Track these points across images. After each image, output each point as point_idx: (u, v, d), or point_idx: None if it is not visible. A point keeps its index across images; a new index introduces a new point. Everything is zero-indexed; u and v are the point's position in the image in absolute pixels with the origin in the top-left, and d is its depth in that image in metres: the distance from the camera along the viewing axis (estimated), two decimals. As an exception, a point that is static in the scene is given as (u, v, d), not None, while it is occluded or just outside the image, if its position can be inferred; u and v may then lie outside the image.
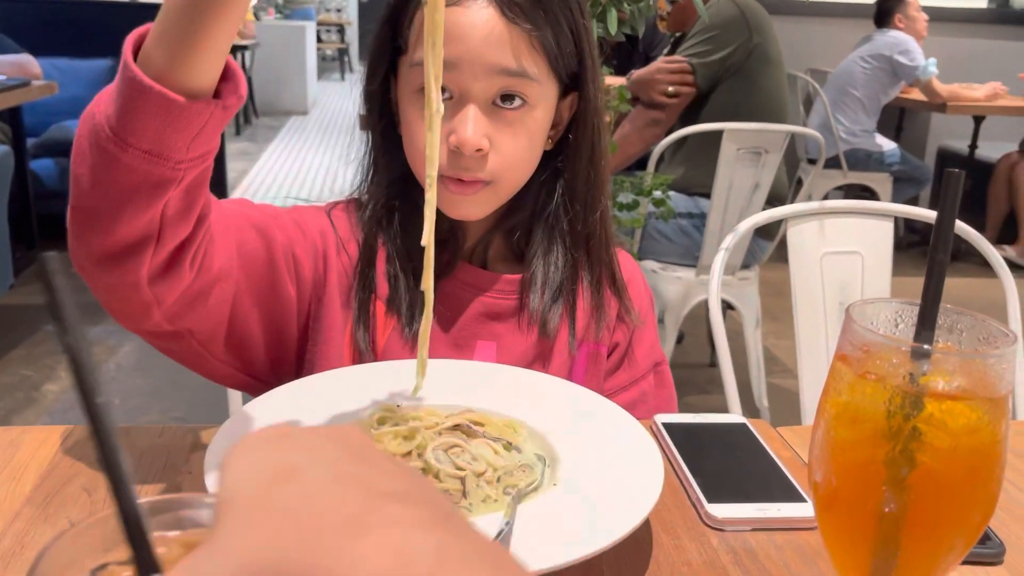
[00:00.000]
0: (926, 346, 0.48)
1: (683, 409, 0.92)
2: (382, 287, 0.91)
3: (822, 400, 0.51)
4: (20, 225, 3.71)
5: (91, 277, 0.70)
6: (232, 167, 5.53)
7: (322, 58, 11.97)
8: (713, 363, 3.20)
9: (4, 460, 0.74)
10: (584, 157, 0.92)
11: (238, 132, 7.60)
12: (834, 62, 4.63)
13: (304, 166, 6.60)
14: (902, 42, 4.30)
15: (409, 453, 0.69)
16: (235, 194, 5.47)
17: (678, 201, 2.56)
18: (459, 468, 0.67)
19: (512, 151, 0.85)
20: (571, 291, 0.94)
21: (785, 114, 2.66)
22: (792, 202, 2.93)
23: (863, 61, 4.36)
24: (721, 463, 0.79)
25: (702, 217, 2.59)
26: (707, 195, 2.54)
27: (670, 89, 2.55)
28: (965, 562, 0.66)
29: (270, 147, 7.25)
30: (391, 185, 0.92)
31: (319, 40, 11.01)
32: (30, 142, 4.02)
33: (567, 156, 0.92)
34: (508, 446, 0.72)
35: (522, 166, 0.88)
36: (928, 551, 0.49)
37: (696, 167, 2.59)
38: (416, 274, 0.89)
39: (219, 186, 5.22)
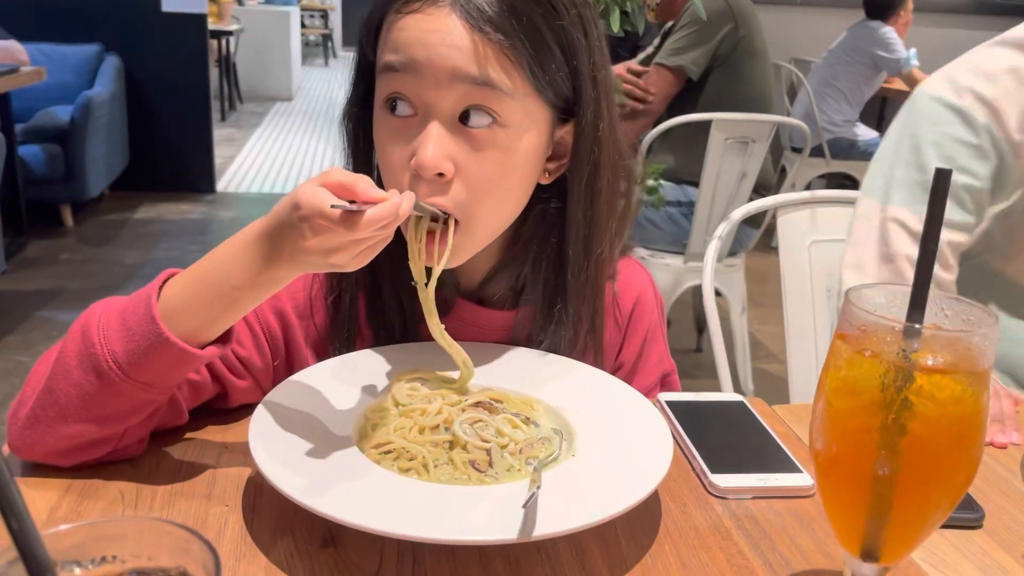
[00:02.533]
0: (917, 326, 0.53)
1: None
2: (365, 334, 0.89)
3: (822, 376, 0.56)
4: (9, 211, 3.71)
5: (37, 458, 0.73)
6: (218, 154, 5.52)
7: (305, 43, 11.92)
8: (699, 348, 3.27)
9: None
10: (579, 195, 0.83)
11: (223, 118, 7.58)
12: (818, 51, 4.70)
13: (290, 152, 6.60)
14: (883, 35, 4.37)
15: (437, 426, 0.74)
16: (222, 180, 5.48)
17: (667, 189, 2.62)
18: (484, 440, 0.73)
19: (479, 177, 0.76)
20: (571, 340, 0.89)
21: (771, 104, 2.72)
22: (777, 190, 3.00)
23: (845, 54, 4.42)
24: (722, 437, 0.85)
25: (690, 205, 2.65)
26: (695, 183, 2.59)
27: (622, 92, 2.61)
28: (950, 526, 0.73)
29: (255, 133, 7.24)
30: None
31: (303, 25, 10.97)
32: (18, 128, 4.01)
33: (563, 193, 0.84)
34: (527, 421, 0.77)
35: (494, 197, 0.79)
36: (917, 510, 0.55)
37: (685, 156, 2.64)
38: (405, 316, 0.88)
39: (206, 174, 5.24)
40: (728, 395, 0.93)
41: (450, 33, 0.74)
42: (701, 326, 3.28)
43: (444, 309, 0.85)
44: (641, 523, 0.71)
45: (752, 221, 2.68)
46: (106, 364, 0.67)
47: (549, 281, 0.87)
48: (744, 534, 0.71)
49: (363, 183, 0.64)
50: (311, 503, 0.62)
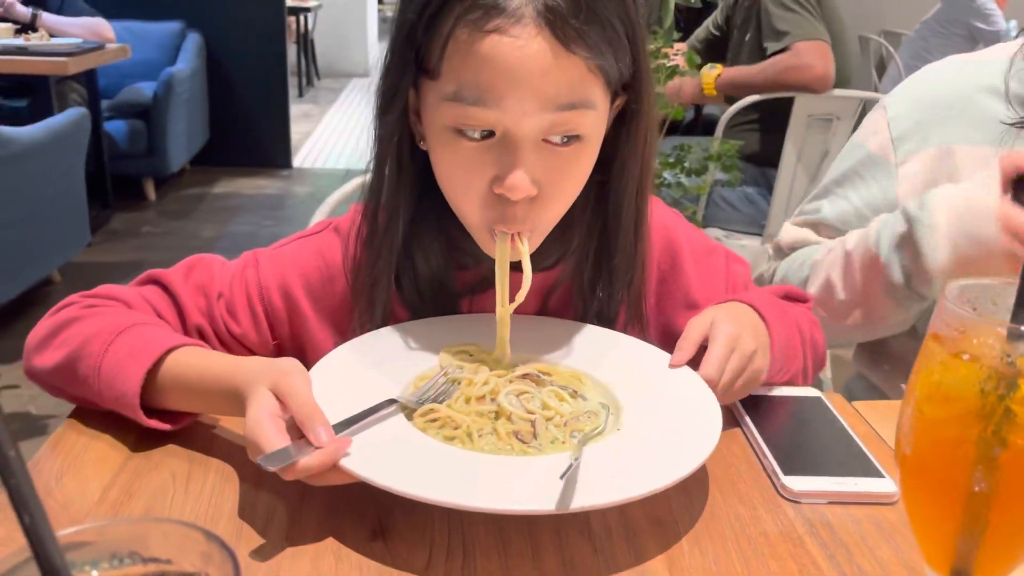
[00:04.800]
0: (1024, 327, 0.47)
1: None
2: (401, 313, 0.87)
3: (912, 378, 0.51)
4: (94, 184, 3.82)
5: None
6: (295, 129, 5.60)
7: (383, 19, 11.96)
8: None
9: (109, 411, 0.78)
10: (633, 172, 0.82)
11: (300, 94, 7.69)
12: (909, 23, 4.47)
13: (366, 128, 6.62)
14: (980, 5, 4.12)
15: (484, 397, 0.74)
16: (298, 156, 5.55)
17: (744, 169, 2.53)
18: (529, 412, 0.72)
19: (561, 189, 0.76)
20: (616, 308, 0.88)
21: (849, 85, 2.60)
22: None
23: (939, 26, 4.19)
24: (796, 436, 0.79)
25: (768, 185, 2.56)
26: (774, 164, 2.50)
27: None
28: (1048, 542, 0.66)
29: (332, 109, 7.32)
30: (409, 209, 0.82)
31: (380, 1, 11.01)
32: (104, 104, 4.13)
33: (614, 172, 0.82)
34: (574, 394, 0.76)
35: (569, 200, 0.79)
36: (1016, 531, 0.49)
37: (765, 135, 2.54)
38: (436, 303, 0.87)
39: (283, 150, 5.32)
40: (804, 389, 0.87)
41: (540, 59, 0.69)
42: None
43: (488, 283, 0.84)
44: (705, 526, 0.67)
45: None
46: (99, 399, 0.75)
47: (592, 247, 0.86)
48: (818, 542, 0.66)
49: (316, 428, 0.63)
50: (350, 466, 0.62)
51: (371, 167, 0.83)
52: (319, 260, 0.88)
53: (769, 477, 0.74)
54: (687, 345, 0.80)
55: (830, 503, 0.70)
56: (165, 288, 0.85)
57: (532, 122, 0.70)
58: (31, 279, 3.00)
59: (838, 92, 2.44)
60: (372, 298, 0.84)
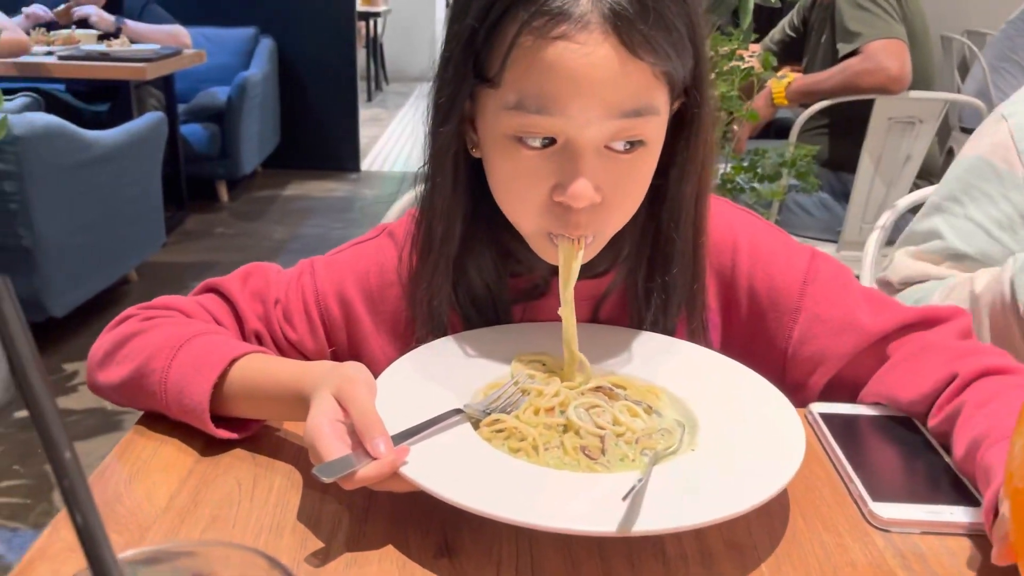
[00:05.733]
0: None
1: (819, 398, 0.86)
2: (455, 325, 0.85)
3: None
4: (170, 186, 3.93)
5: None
6: (364, 133, 5.67)
7: (450, 24, 12.05)
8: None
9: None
10: (692, 176, 0.79)
11: (369, 99, 7.78)
12: (993, 23, 4.28)
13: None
14: (1075, 2, 3.93)
15: (552, 408, 0.71)
16: (367, 160, 5.62)
17: (819, 174, 2.45)
18: (599, 427, 0.69)
19: (626, 199, 0.74)
20: (673, 316, 0.84)
21: (931, 86, 2.49)
22: (943, 174, 2.76)
23: (1027, 25, 4.00)
24: (885, 458, 0.75)
25: (844, 191, 2.47)
26: (849, 168, 2.41)
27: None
28: None
29: (400, 113, 7.40)
30: (465, 218, 0.80)
31: (448, 6, 11.12)
32: (180, 108, 4.24)
33: (671, 178, 0.79)
34: (649, 410, 0.73)
35: (631, 207, 0.76)
36: None
37: (842, 140, 2.46)
38: (495, 300, 0.85)
39: (352, 153, 5.40)
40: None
41: (606, 66, 0.66)
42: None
43: (540, 291, 0.86)
44: (787, 554, 0.63)
45: (915, 207, 2.47)
46: (167, 411, 0.76)
47: (646, 254, 0.83)
48: (910, 575, 0.62)
49: (375, 438, 0.62)
50: (410, 474, 0.61)
51: (426, 178, 0.80)
52: (375, 266, 0.87)
53: (856, 503, 0.70)
54: None
55: (923, 533, 0.66)
56: (222, 296, 0.86)
57: (596, 130, 0.68)
58: (109, 278, 3.09)
59: (920, 94, 2.34)
60: (432, 309, 0.82)
